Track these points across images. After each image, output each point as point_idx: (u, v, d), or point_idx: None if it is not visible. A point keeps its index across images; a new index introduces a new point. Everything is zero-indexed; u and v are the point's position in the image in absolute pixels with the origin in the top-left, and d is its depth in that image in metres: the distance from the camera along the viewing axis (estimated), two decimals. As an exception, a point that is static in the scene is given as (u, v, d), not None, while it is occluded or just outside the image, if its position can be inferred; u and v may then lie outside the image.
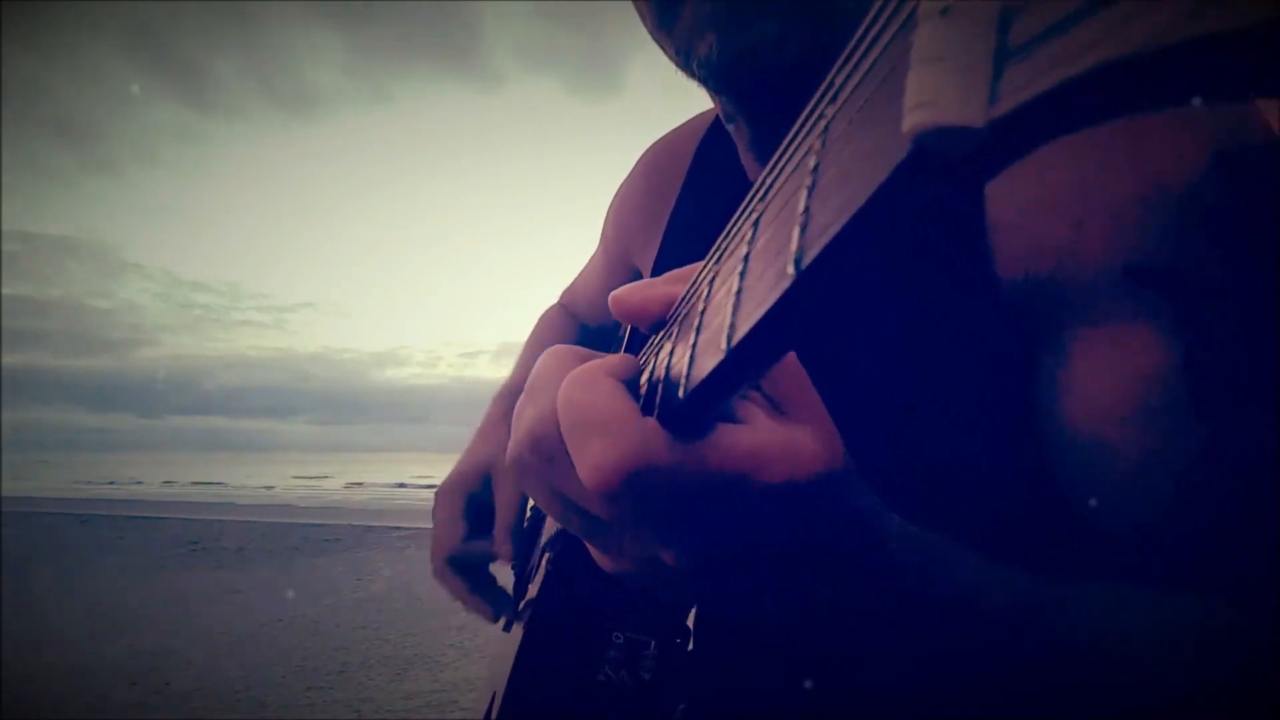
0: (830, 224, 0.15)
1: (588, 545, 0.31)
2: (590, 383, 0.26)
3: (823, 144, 0.17)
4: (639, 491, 0.24)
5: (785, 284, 0.17)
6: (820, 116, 0.17)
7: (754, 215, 0.21)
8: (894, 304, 0.46)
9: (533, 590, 0.69)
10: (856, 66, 0.15)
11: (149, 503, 15.00)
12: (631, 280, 0.81)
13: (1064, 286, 0.41)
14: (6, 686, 3.55)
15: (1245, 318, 0.35)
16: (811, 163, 0.17)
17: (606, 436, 0.24)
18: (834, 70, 0.17)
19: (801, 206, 0.17)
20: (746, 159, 0.59)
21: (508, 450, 0.31)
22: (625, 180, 0.81)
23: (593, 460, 0.25)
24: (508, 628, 0.72)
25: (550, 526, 0.74)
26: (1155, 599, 0.34)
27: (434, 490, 0.78)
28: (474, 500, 0.75)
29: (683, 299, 0.28)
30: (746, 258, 0.21)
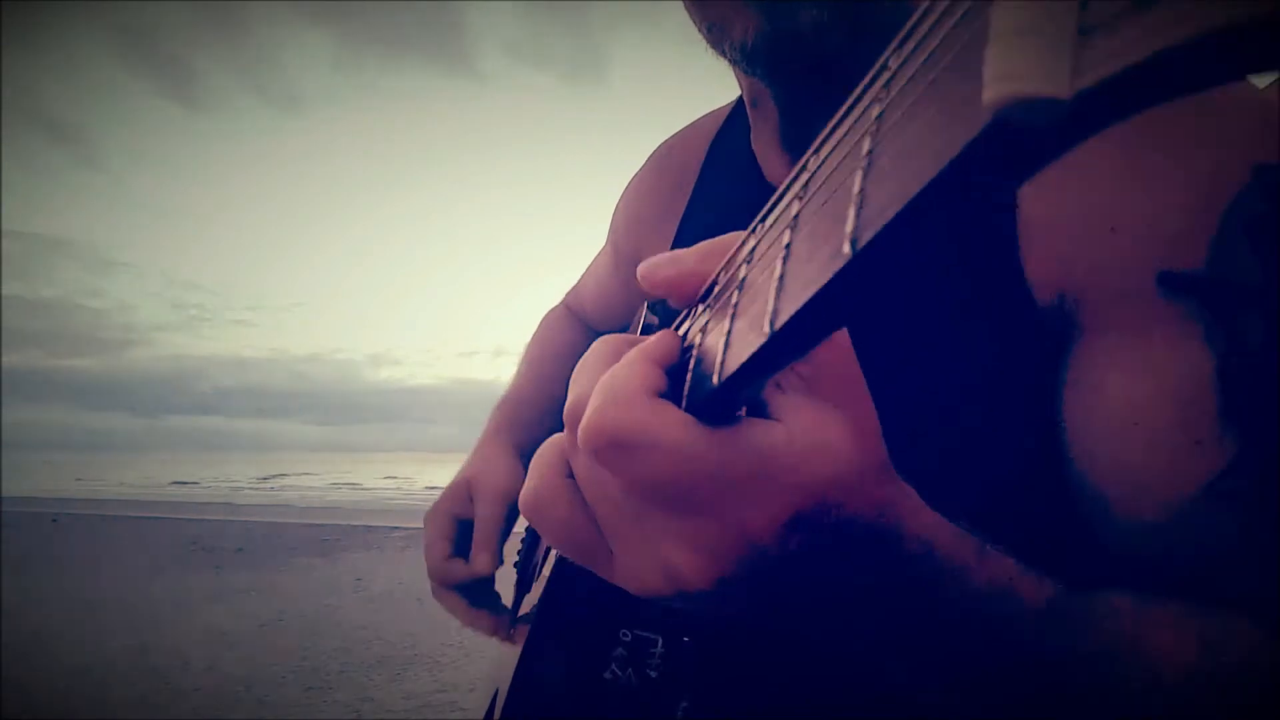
0: (888, 205, 0.15)
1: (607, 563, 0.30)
2: (629, 401, 0.26)
3: (878, 126, 0.17)
4: (641, 468, 0.24)
5: (839, 263, 0.17)
6: (875, 100, 0.17)
7: (795, 200, 0.21)
8: (928, 311, 0.46)
9: (537, 589, 0.68)
10: (920, 46, 0.15)
11: (143, 503, 14.99)
12: None
13: (1096, 293, 0.40)
14: (6, 686, 3.55)
15: None
16: (866, 146, 0.17)
17: (616, 406, 0.25)
18: (888, 52, 0.17)
19: (857, 188, 0.17)
20: (768, 147, 0.58)
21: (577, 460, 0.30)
22: (635, 176, 0.79)
23: (592, 417, 0.25)
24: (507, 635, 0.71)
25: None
26: (1174, 609, 0.34)
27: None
28: (459, 519, 0.72)
29: (718, 276, 0.27)
30: (789, 245, 0.21)
